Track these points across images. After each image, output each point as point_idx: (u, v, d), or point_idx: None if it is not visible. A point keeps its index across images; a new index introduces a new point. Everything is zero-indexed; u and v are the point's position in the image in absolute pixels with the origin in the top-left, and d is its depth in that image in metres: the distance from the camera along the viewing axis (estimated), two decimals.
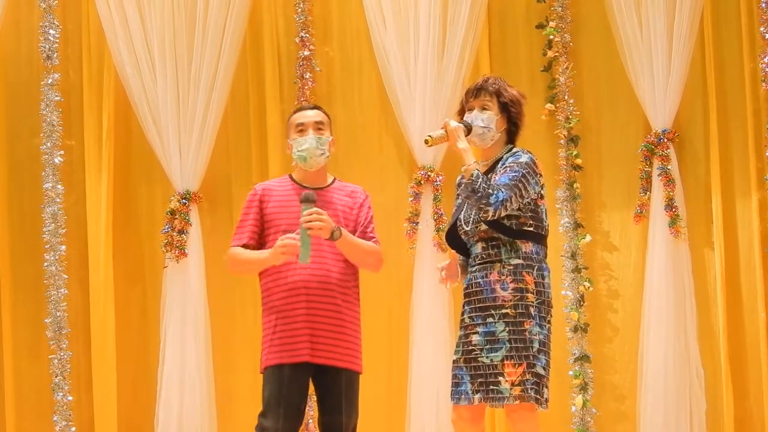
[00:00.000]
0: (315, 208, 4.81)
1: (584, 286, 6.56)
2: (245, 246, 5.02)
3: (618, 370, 6.62)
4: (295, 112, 5.21)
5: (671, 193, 6.43)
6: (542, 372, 4.75)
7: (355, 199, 5.12)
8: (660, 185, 6.46)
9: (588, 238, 6.60)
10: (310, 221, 4.79)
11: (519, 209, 4.77)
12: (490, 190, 4.67)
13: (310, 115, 5.11)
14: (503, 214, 4.71)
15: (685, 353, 6.37)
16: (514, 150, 4.90)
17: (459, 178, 5.07)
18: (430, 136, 4.84)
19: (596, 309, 6.64)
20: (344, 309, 5.00)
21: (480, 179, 4.69)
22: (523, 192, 4.74)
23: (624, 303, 6.64)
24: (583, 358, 6.53)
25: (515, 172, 4.74)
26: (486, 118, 4.88)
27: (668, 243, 6.42)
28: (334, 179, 5.19)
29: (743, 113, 6.43)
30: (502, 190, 4.68)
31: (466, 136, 4.83)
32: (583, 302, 6.57)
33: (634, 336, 6.49)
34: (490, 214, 4.69)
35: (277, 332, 4.95)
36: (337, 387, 4.96)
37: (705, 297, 6.46)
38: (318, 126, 5.08)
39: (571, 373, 6.52)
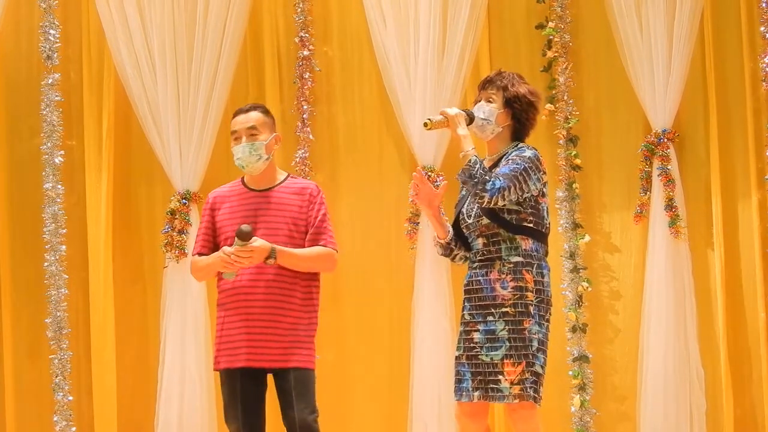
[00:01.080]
0: (246, 246, 4.86)
1: (583, 286, 6.56)
2: (199, 254, 5.14)
3: (618, 370, 6.62)
4: (233, 116, 5.21)
5: (671, 194, 6.43)
6: (540, 371, 4.76)
7: (304, 197, 5.11)
8: (660, 185, 6.46)
9: (587, 238, 6.60)
10: (238, 259, 4.87)
11: (519, 204, 4.77)
12: (487, 177, 4.68)
13: (242, 121, 5.13)
14: (500, 203, 4.70)
15: (686, 353, 6.37)
16: (520, 145, 4.91)
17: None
18: (429, 119, 4.84)
19: (597, 310, 6.63)
20: (289, 309, 5.00)
21: (477, 165, 4.69)
22: (523, 185, 4.75)
23: (624, 303, 6.64)
24: (582, 359, 6.53)
25: (517, 164, 4.75)
26: (487, 111, 4.89)
27: (668, 243, 6.42)
28: (287, 176, 5.20)
29: (743, 113, 6.43)
30: (500, 178, 4.69)
31: (468, 125, 4.84)
32: (582, 302, 6.57)
33: (635, 336, 6.49)
34: (486, 200, 4.69)
35: (222, 337, 5.05)
36: (287, 386, 4.99)
37: (705, 297, 6.46)
38: (251, 132, 5.09)
39: (570, 373, 6.51)
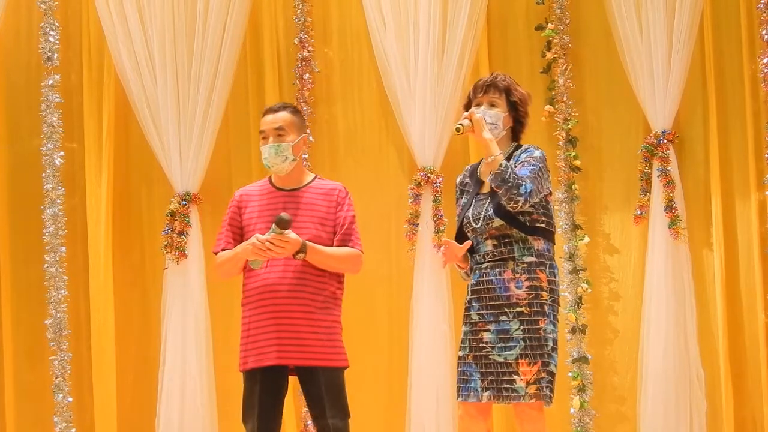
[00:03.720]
0: (282, 235, 4.84)
1: (582, 287, 6.57)
2: (223, 251, 5.11)
3: (618, 371, 6.62)
4: (262, 115, 5.20)
5: (671, 195, 6.43)
6: (554, 370, 4.79)
7: (332, 198, 5.11)
8: (660, 186, 6.46)
9: (586, 239, 6.60)
10: (269, 249, 4.84)
11: (532, 205, 4.79)
12: (520, 181, 4.69)
13: (269, 121, 5.11)
14: (528, 206, 4.73)
15: (685, 354, 6.37)
16: (524, 146, 4.92)
17: (460, 177, 5.08)
18: (461, 124, 4.80)
19: (597, 311, 6.64)
20: (313, 309, 4.98)
21: (509, 169, 4.71)
22: (541, 186, 4.80)
23: (624, 304, 6.64)
24: (581, 360, 6.53)
25: (533, 165, 4.78)
26: (494, 115, 4.90)
27: (668, 244, 6.42)
28: (315, 177, 5.19)
29: (743, 114, 6.43)
30: (527, 181, 4.71)
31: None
32: (581, 304, 6.57)
33: (635, 337, 6.49)
34: (521, 203, 4.70)
35: (250, 336, 5.02)
36: (317, 388, 4.97)
37: (705, 298, 6.47)
38: (278, 132, 5.08)
39: (570, 374, 6.52)
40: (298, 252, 4.89)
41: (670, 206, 6.42)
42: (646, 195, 6.52)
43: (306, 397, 5.04)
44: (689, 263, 6.45)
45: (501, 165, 4.71)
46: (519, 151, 4.90)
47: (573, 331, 6.54)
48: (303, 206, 5.04)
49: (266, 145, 5.08)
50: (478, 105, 4.93)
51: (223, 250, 5.11)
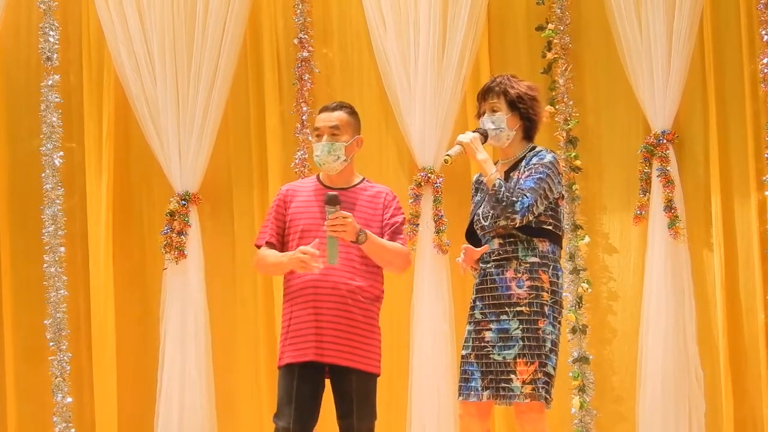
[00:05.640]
0: (340, 212, 4.82)
1: (583, 287, 6.57)
2: (267, 244, 5.08)
3: (617, 371, 6.63)
4: (319, 112, 5.20)
5: (670, 195, 6.44)
6: (552, 372, 4.78)
7: (378, 201, 5.09)
8: (659, 186, 6.47)
9: (587, 239, 6.60)
10: (334, 226, 4.81)
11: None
12: (514, 198, 4.69)
13: (325, 119, 5.11)
14: (530, 218, 4.73)
15: (685, 355, 6.37)
16: (538, 149, 4.90)
17: (477, 175, 5.08)
18: (448, 155, 4.85)
19: (596, 311, 6.64)
20: (355, 311, 4.96)
21: (502, 188, 4.71)
22: (548, 193, 4.78)
23: (624, 304, 6.64)
24: (582, 360, 6.53)
25: (540, 173, 4.76)
26: (495, 119, 4.89)
27: (667, 244, 6.43)
28: (363, 179, 5.18)
29: (742, 114, 6.44)
30: (527, 195, 4.70)
31: (484, 142, 4.84)
32: (582, 303, 6.57)
33: (634, 337, 6.50)
34: (518, 221, 4.72)
35: (290, 332, 4.99)
36: (348, 388, 4.95)
37: (704, 298, 6.47)
38: (333, 132, 5.07)
39: (570, 374, 6.52)
40: (358, 236, 4.85)
41: (669, 206, 6.42)
42: (645, 195, 6.53)
43: (335, 396, 5.01)
44: (689, 263, 6.46)
45: (495, 185, 4.72)
46: (532, 153, 4.88)
47: (573, 331, 6.55)
48: (348, 206, 5.00)
49: (320, 143, 5.07)
50: (483, 114, 4.93)
51: (267, 243, 5.07)
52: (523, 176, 4.79)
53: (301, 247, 4.87)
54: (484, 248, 4.84)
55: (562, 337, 6.46)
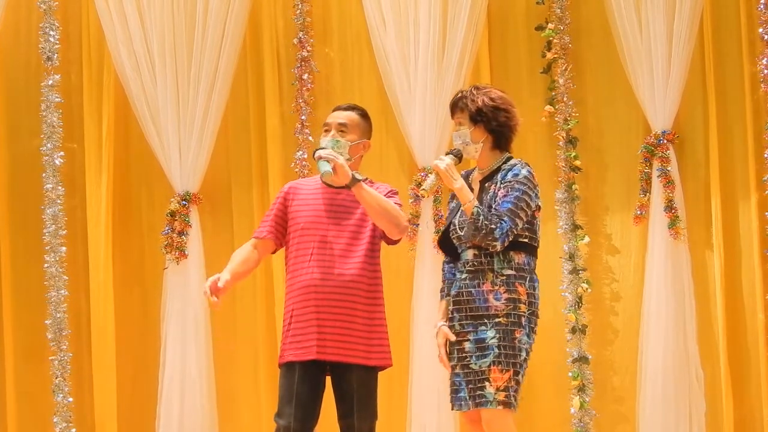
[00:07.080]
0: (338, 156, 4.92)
1: (582, 287, 6.56)
2: (263, 239, 5.13)
3: (617, 371, 6.62)
4: (332, 110, 5.23)
5: (671, 195, 6.43)
6: (521, 380, 4.80)
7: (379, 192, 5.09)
8: (659, 187, 6.46)
9: (586, 239, 6.60)
10: (326, 155, 4.90)
11: None
12: (493, 225, 4.69)
13: (335, 116, 5.16)
14: (510, 240, 4.73)
15: (685, 355, 6.37)
16: (512, 162, 4.88)
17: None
18: (424, 189, 4.97)
19: (598, 311, 6.63)
20: (356, 306, 4.98)
21: (480, 216, 4.71)
22: (527, 209, 4.78)
23: (624, 305, 6.64)
24: (582, 360, 6.53)
25: (516, 191, 4.75)
26: (460, 134, 4.90)
27: (668, 244, 6.43)
28: (366, 179, 5.17)
29: (743, 115, 6.44)
30: (505, 219, 4.71)
31: (459, 163, 4.86)
32: (581, 304, 6.57)
33: (634, 338, 6.49)
34: (498, 247, 4.73)
35: (291, 329, 5.00)
36: (348, 387, 4.96)
37: (705, 298, 6.47)
38: (340, 128, 5.11)
39: (570, 374, 6.52)
40: (353, 178, 4.90)
41: (670, 206, 6.42)
42: (646, 195, 6.52)
43: (335, 396, 5.02)
44: (689, 263, 6.45)
45: (473, 213, 4.72)
46: (507, 166, 4.86)
47: (573, 331, 6.54)
48: (348, 203, 5.04)
49: (326, 137, 5.11)
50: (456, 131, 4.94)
51: (259, 236, 5.14)
52: (499, 193, 4.77)
53: (211, 278, 4.98)
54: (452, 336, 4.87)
55: (562, 337, 6.52)
